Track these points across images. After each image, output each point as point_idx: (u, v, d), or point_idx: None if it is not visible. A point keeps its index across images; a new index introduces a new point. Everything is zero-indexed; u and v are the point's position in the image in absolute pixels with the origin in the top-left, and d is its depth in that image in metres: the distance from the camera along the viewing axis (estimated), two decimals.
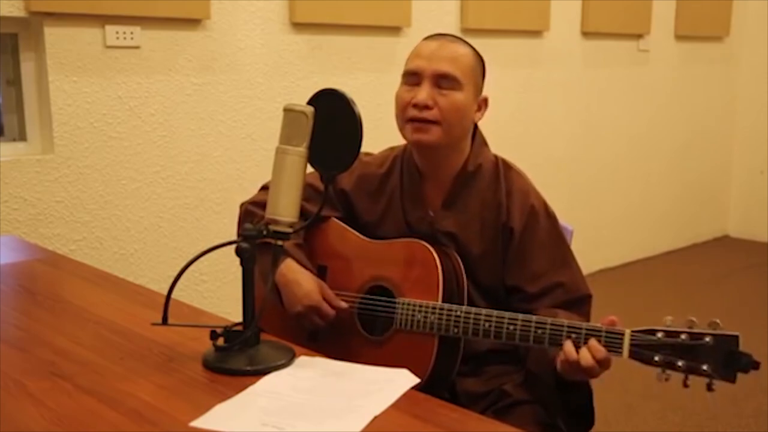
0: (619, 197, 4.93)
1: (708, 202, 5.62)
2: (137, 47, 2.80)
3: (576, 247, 1.68)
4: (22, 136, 2.73)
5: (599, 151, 4.74)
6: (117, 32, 2.73)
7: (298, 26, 3.23)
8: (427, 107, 1.53)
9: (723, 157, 5.66)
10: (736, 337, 1.26)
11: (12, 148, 2.69)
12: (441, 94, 1.53)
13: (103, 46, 2.72)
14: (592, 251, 4.65)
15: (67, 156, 2.70)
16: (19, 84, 2.69)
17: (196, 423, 1.05)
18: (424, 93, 1.53)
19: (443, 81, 1.54)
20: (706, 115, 5.42)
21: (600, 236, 4.76)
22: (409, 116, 1.55)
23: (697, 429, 2.86)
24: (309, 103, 1.29)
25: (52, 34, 2.62)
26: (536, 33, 4.23)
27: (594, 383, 1.52)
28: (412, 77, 1.56)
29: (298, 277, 1.59)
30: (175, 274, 1.23)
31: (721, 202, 5.73)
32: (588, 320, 1.57)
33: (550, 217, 1.62)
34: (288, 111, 1.26)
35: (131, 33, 2.77)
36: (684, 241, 5.46)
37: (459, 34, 3.84)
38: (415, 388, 1.18)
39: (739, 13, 5.43)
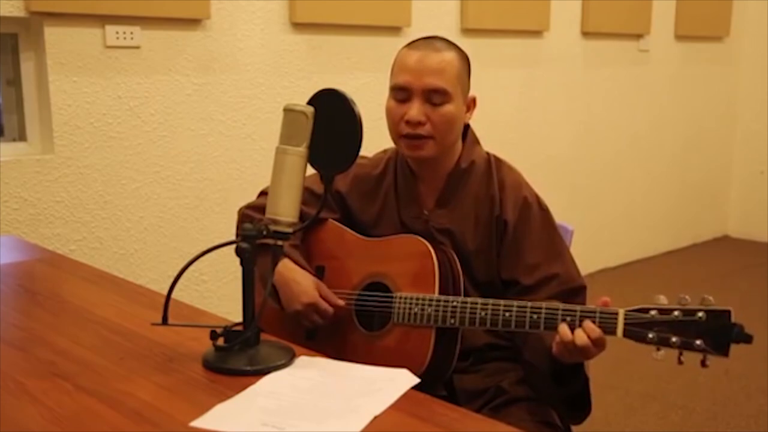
0: (619, 197, 4.93)
1: (708, 202, 5.62)
2: (137, 47, 2.80)
3: (576, 247, 1.68)
4: (22, 136, 2.73)
5: (599, 151, 4.74)
6: (117, 32, 2.73)
7: (298, 26, 3.23)
8: (420, 123, 1.54)
9: (723, 157, 5.66)
10: (728, 311, 1.27)
11: (12, 148, 2.69)
12: (432, 109, 1.54)
13: (103, 46, 2.72)
14: (592, 251, 4.65)
15: (67, 156, 2.70)
16: (19, 84, 2.69)
17: (196, 423, 1.05)
18: (415, 110, 1.54)
19: (433, 96, 1.54)
20: (706, 115, 5.43)
21: (600, 236, 4.76)
22: (402, 132, 1.57)
23: (697, 429, 2.86)
24: (309, 103, 1.29)
25: (52, 34, 2.62)
26: (536, 33, 4.23)
27: (594, 384, 1.52)
28: (400, 92, 1.56)
29: (295, 276, 1.60)
30: (175, 274, 1.23)
31: (721, 202, 5.74)
32: None
33: (543, 209, 1.63)
34: (288, 111, 1.26)
35: (131, 33, 2.77)
36: (684, 241, 5.46)
37: (459, 34, 3.86)
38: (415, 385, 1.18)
39: (739, 13, 5.43)
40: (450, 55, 1.57)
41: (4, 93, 2.73)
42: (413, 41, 1.61)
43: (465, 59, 1.61)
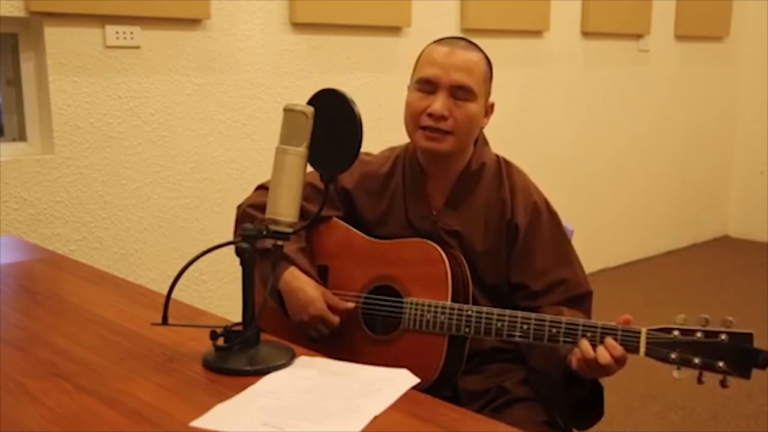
0: (619, 197, 4.93)
1: (708, 202, 5.62)
2: (137, 47, 2.80)
3: (576, 247, 1.68)
4: (22, 136, 2.73)
5: (599, 151, 4.74)
6: (117, 32, 2.73)
7: (298, 26, 3.23)
8: (443, 117, 1.53)
9: (723, 157, 5.66)
10: (751, 334, 1.28)
11: (12, 148, 2.69)
12: (456, 105, 1.54)
13: (103, 46, 2.72)
14: (592, 251, 4.65)
15: (67, 156, 2.70)
16: (19, 84, 2.69)
17: (196, 423, 1.05)
18: (440, 103, 1.53)
19: (459, 92, 1.54)
20: (706, 115, 5.42)
21: (600, 236, 4.76)
22: (422, 124, 1.56)
23: (697, 429, 2.86)
24: (309, 103, 1.28)
25: (52, 34, 2.62)
26: (536, 33, 4.23)
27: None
28: (426, 85, 1.56)
29: (301, 285, 1.59)
30: (175, 274, 1.23)
31: (721, 202, 5.73)
32: (589, 317, 1.58)
33: (552, 213, 1.63)
34: (288, 111, 1.26)
35: (131, 33, 2.77)
36: (684, 241, 5.46)
37: (459, 34, 3.86)
38: (421, 387, 1.18)
39: (739, 13, 5.43)
40: (477, 56, 1.58)
41: (4, 93, 2.73)
42: (440, 39, 1.61)
43: (489, 64, 1.62)
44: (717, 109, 5.50)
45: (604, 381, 1.45)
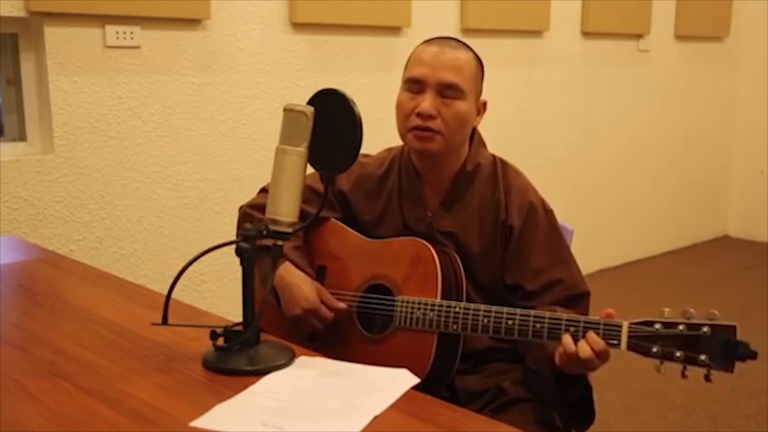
0: (619, 197, 4.93)
1: (708, 202, 5.62)
2: (137, 47, 2.80)
3: (576, 247, 1.68)
4: (22, 136, 2.73)
5: (599, 151, 4.74)
6: (117, 32, 2.73)
7: (298, 26, 3.23)
8: (431, 117, 1.53)
9: (723, 157, 5.66)
10: (734, 327, 1.27)
11: (12, 148, 2.69)
12: (444, 104, 1.54)
13: (103, 46, 2.72)
14: (592, 251, 4.65)
15: (67, 156, 2.70)
16: (19, 84, 2.69)
17: (196, 423, 1.05)
18: (427, 103, 1.53)
19: (447, 90, 1.54)
20: (706, 115, 5.43)
21: (600, 236, 4.76)
22: (412, 125, 1.56)
23: (697, 429, 2.86)
24: (309, 103, 1.29)
25: (52, 34, 2.62)
26: (536, 33, 4.23)
27: (593, 382, 1.52)
28: (414, 85, 1.56)
29: (296, 281, 1.60)
30: (175, 274, 1.23)
31: (721, 202, 5.74)
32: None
33: (548, 214, 1.63)
34: (288, 111, 1.26)
35: (131, 33, 2.77)
36: (684, 241, 5.46)
37: (459, 34, 3.87)
38: (415, 386, 1.18)
39: (739, 13, 5.43)
40: (467, 55, 1.58)
41: (4, 93, 2.73)
42: (430, 39, 1.61)
43: (480, 63, 1.62)
44: (717, 109, 5.50)
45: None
